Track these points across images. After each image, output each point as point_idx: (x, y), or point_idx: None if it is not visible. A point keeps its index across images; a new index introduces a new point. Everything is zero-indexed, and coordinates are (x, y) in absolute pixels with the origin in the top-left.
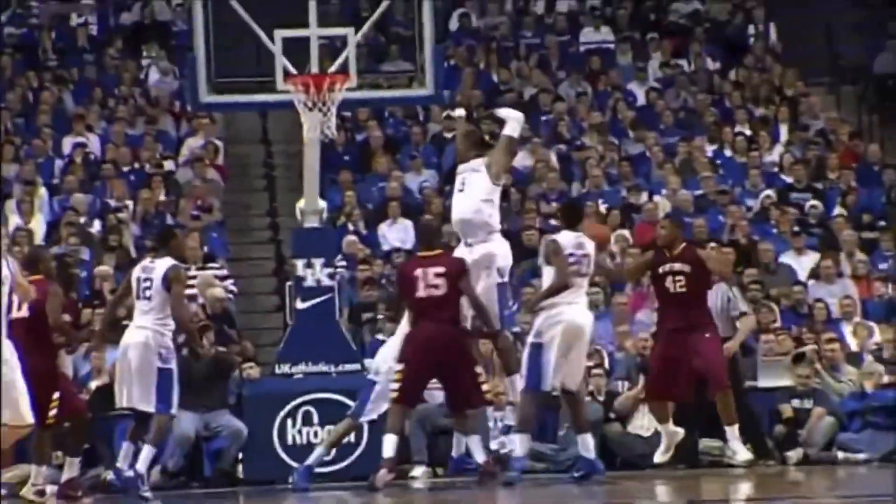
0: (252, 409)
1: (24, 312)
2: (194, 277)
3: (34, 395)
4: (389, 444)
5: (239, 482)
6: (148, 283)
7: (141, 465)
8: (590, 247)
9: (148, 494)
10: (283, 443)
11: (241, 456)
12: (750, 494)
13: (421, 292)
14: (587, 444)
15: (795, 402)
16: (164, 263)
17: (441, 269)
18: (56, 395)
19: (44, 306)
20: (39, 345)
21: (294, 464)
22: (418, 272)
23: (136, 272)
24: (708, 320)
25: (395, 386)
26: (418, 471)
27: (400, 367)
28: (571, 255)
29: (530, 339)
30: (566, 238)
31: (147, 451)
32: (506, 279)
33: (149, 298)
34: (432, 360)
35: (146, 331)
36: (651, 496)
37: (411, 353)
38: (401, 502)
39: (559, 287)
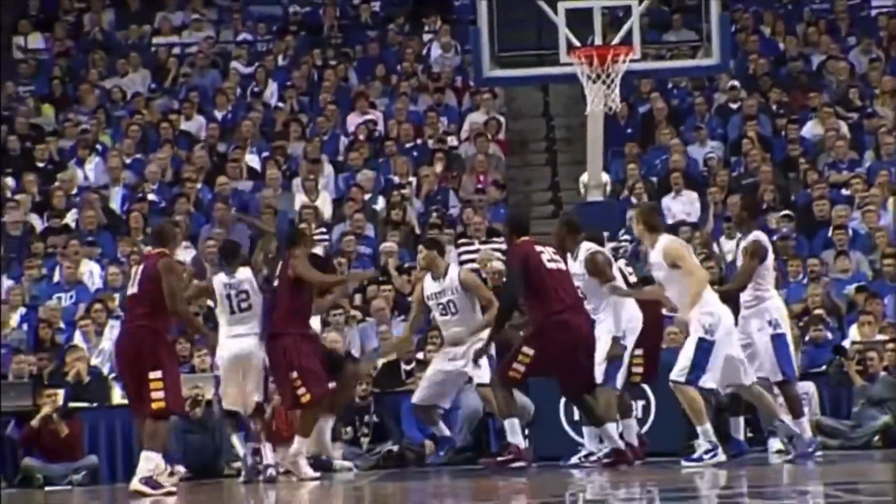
0: (539, 384)
1: (135, 289)
2: (477, 251)
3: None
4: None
5: None
6: (244, 296)
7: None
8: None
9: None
10: (570, 419)
11: (527, 432)
12: None
13: None
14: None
15: None
16: (244, 273)
17: None
18: (154, 374)
19: (151, 281)
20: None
21: (581, 440)
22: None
23: (219, 289)
24: None
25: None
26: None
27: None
28: None
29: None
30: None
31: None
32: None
33: (248, 309)
34: None
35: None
36: None
37: None
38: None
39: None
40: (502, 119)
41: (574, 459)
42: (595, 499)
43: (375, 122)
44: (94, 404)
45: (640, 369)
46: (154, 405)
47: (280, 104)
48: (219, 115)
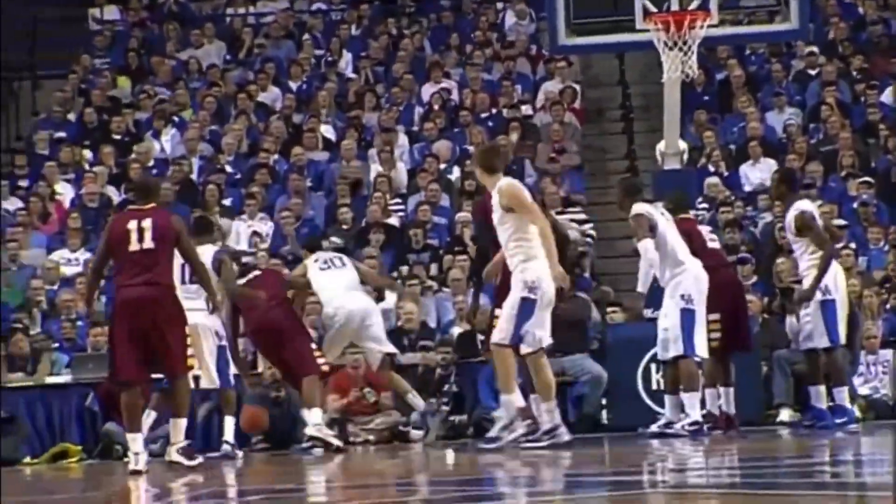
0: (615, 354)
1: (150, 244)
2: None
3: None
4: None
5: (602, 428)
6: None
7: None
8: None
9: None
10: (648, 388)
11: (604, 401)
12: None
13: None
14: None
15: None
16: (206, 249)
17: None
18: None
19: (165, 238)
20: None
21: (659, 409)
22: None
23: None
24: None
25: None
26: (784, 414)
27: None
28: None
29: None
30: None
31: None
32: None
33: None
34: None
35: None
36: None
37: None
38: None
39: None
40: (578, 87)
41: (653, 428)
42: (672, 468)
43: (450, 92)
44: None
45: (717, 335)
46: (186, 363)
47: (354, 75)
48: (293, 86)
